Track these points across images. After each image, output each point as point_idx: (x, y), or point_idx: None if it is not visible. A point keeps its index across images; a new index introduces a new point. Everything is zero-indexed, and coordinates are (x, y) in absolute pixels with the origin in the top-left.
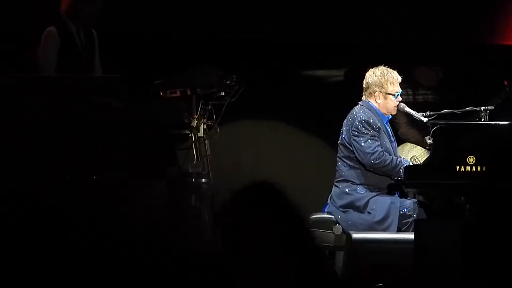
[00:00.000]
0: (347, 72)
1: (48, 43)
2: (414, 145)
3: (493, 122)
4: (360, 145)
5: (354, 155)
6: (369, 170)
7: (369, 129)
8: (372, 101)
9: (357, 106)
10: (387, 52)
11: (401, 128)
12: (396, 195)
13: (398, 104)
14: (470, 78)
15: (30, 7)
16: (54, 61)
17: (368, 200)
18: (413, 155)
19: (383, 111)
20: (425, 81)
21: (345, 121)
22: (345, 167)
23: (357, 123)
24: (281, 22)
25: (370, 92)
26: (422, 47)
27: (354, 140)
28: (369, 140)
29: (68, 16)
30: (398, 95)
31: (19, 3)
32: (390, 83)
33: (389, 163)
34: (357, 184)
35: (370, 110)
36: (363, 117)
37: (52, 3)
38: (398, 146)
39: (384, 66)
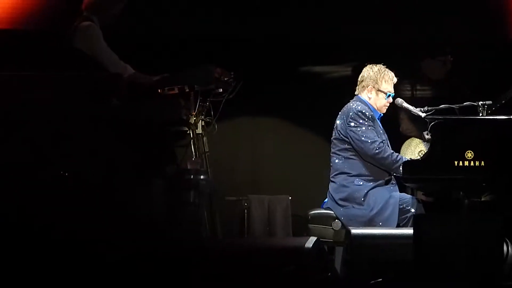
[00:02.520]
0: (349, 69)
1: (96, 35)
2: (420, 140)
3: (491, 117)
4: (359, 135)
5: (350, 147)
6: (366, 161)
7: (365, 119)
8: (364, 96)
9: (350, 102)
10: (384, 51)
11: (402, 123)
12: (395, 186)
13: (396, 100)
14: (479, 74)
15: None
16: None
17: (367, 192)
18: (420, 149)
19: (374, 106)
20: (433, 75)
21: (339, 115)
22: (340, 160)
23: (352, 114)
24: (278, 21)
25: (364, 86)
26: (427, 44)
27: (352, 131)
28: (367, 130)
29: (93, 13)
30: (389, 95)
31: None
32: (385, 81)
33: (389, 155)
34: (353, 176)
35: (362, 104)
36: (358, 108)
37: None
38: (404, 141)
39: (382, 65)
